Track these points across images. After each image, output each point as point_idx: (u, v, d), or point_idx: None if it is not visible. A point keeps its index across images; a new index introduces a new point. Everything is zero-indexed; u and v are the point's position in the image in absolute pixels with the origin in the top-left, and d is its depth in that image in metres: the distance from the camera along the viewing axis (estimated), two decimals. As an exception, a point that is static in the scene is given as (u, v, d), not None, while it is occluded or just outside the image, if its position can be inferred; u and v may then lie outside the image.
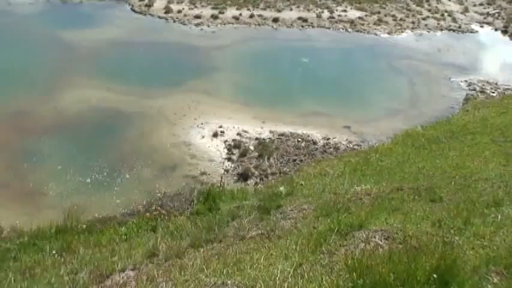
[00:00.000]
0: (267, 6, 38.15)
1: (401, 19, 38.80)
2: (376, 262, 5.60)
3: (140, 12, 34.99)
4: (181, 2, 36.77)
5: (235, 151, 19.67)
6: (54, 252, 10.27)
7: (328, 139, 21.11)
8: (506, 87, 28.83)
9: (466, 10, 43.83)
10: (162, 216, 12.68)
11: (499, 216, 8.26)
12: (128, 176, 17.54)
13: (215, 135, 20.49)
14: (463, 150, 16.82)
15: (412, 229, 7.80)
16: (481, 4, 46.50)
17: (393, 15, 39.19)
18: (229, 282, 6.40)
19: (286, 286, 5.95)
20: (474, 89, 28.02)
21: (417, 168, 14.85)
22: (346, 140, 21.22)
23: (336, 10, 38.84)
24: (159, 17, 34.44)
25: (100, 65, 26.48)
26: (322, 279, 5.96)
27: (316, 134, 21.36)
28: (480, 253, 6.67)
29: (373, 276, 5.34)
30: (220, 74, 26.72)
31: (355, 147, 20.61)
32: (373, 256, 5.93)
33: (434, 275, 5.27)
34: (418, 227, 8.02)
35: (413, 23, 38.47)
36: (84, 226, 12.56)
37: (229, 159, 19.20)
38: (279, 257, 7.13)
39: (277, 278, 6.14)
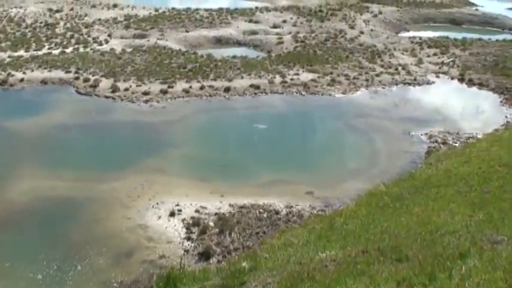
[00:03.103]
0: (217, 76, 37.72)
1: (354, 77, 39.03)
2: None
3: (86, 94, 33.90)
4: (128, 80, 35.91)
5: (195, 229, 18.78)
6: None
7: (291, 207, 20.51)
8: (468, 135, 28.96)
9: (420, 62, 44.38)
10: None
11: (463, 268, 8.33)
12: (79, 268, 16.45)
13: (172, 214, 19.58)
14: (428, 204, 16.39)
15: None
16: (434, 54, 47.22)
17: (346, 75, 39.42)
18: None
19: None
20: (436, 141, 27.99)
21: (382, 228, 14.33)
22: (310, 206, 20.64)
23: (288, 74, 38.74)
24: (106, 97, 33.33)
25: (48, 152, 25.46)
26: None
27: (278, 203, 20.71)
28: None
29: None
30: (174, 150, 25.99)
31: (320, 212, 20.01)
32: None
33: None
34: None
35: (367, 80, 38.71)
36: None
37: (188, 238, 18.30)
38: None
39: None
